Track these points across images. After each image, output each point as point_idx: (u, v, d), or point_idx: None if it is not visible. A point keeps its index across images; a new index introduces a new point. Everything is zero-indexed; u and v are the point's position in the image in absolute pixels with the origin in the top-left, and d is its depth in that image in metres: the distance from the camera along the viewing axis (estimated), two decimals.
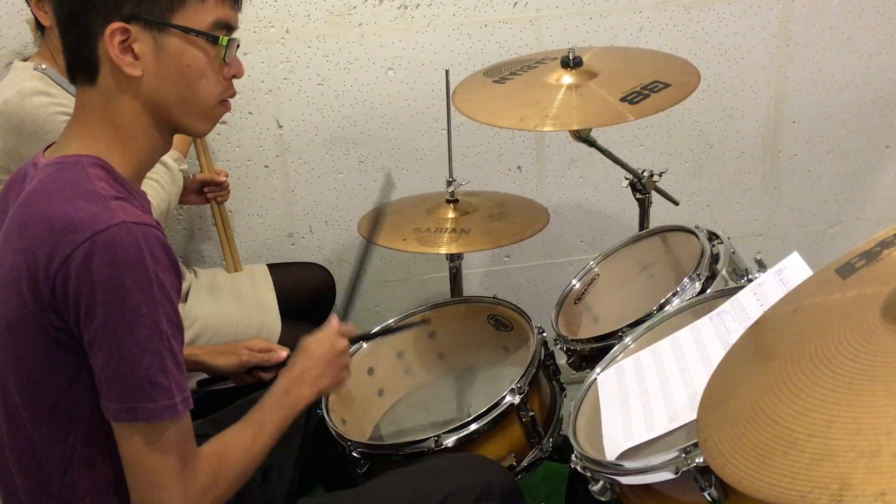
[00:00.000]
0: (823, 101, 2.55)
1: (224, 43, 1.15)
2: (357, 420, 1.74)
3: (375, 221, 1.64)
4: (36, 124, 1.69)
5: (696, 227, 1.69)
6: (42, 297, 1.04)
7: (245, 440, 1.21)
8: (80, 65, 1.13)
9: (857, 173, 2.66)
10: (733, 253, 1.61)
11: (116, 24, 1.09)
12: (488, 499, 1.32)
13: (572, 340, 1.67)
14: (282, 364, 1.56)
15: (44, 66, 1.81)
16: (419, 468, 1.42)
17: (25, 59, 1.85)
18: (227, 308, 2.05)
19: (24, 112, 1.70)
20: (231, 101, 1.23)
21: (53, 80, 1.80)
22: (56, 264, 1.02)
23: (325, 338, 1.39)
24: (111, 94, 1.13)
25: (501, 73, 1.87)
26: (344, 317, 1.48)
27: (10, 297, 1.08)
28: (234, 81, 1.22)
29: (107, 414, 1.07)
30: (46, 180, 1.10)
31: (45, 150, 1.20)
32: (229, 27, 1.17)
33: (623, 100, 1.65)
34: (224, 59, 1.16)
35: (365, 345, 1.81)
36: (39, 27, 1.85)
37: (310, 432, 1.62)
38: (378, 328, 1.79)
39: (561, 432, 1.64)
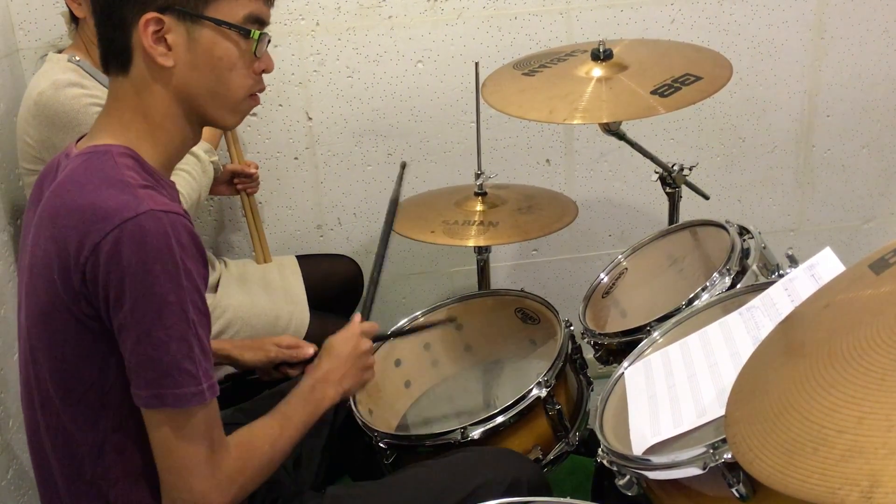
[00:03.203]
0: (859, 95, 2.51)
1: (256, 37, 1.16)
2: (384, 411, 1.75)
3: (391, 215, 1.62)
4: (69, 115, 1.71)
5: (727, 222, 1.68)
6: (72, 285, 1.06)
7: (272, 432, 1.22)
8: (114, 54, 1.15)
9: (892, 168, 2.62)
10: (764, 248, 1.59)
11: (151, 14, 1.10)
12: (516, 493, 1.32)
13: (600, 334, 1.66)
14: (308, 361, 1.57)
15: (77, 58, 1.83)
16: (447, 461, 1.43)
17: (60, 52, 1.88)
18: (256, 299, 2.07)
19: (57, 103, 1.72)
20: (260, 94, 1.24)
21: (87, 72, 1.82)
22: (86, 252, 1.04)
23: (349, 338, 1.40)
24: (143, 83, 1.14)
25: (531, 66, 1.86)
26: (367, 315, 1.49)
27: (42, 284, 1.10)
28: (264, 75, 1.23)
29: (136, 400, 1.08)
30: (77, 170, 1.12)
31: (77, 141, 1.21)
32: (261, 22, 1.18)
33: (654, 93, 1.64)
34: (255, 54, 1.18)
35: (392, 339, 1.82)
36: (73, 19, 1.88)
37: (338, 422, 1.63)
38: (400, 325, 1.81)
39: (587, 426, 1.64)
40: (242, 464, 1.15)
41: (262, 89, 1.23)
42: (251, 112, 1.27)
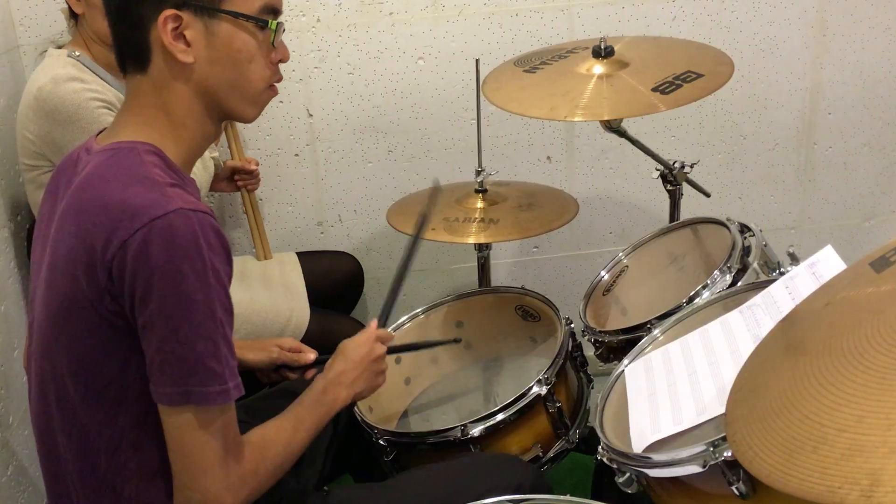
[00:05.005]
0: (860, 93, 2.50)
1: (273, 27, 1.16)
2: (384, 408, 1.75)
3: (421, 225, 1.61)
4: (69, 110, 1.71)
5: (728, 220, 1.67)
6: (98, 282, 1.05)
7: (286, 434, 1.22)
8: (132, 54, 1.14)
9: (893, 166, 2.62)
10: (765, 246, 1.59)
11: (169, 11, 1.10)
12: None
13: (600, 332, 1.66)
14: (308, 366, 1.57)
15: (77, 54, 1.83)
16: (450, 465, 1.42)
17: (60, 47, 1.87)
18: (256, 295, 2.07)
19: (57, 98, 1.72)
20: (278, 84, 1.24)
21: (87, 67, 1.82)
22: (113, 249, 1.03)
23: (364, 342, 1.40)
24: (163, 81, 1.14)
25: (532, 63, 1.85)
26: (383, 322, 1.49)
27: (65, 280, 1.09)
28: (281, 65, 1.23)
29: (157, 397, 1.07)
30: (102, 166, 1.11)
31: (97, 136, 1.21)
32: (276, 11, 1.18)
33: (655, 90, 1.64)
34: (272, 44, 1.18)
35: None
36: (73, 15, 1.87)
37: (340, 421, 1.63)
38: (401, 322, 1.84)
39: (588, 424, 1.64)
40: (255, 466, 1.15)
41: (279, 79, 1.23)
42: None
